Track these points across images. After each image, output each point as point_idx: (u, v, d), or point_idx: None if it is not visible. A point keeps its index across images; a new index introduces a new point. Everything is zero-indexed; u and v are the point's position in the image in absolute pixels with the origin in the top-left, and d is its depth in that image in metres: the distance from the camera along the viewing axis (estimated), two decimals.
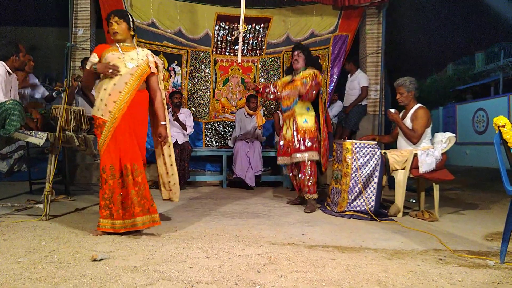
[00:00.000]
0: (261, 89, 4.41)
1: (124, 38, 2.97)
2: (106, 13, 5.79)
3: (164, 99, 3.14)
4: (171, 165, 3.18)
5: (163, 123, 3.06)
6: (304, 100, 3.99)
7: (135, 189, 2.73)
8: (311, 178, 3.96)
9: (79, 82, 4.72)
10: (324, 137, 4.06)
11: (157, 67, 3.06)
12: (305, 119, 4.03)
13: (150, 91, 3.06)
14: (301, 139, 3.96)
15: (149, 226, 2.80)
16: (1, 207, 3.52)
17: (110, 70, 2.77)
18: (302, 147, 3.95)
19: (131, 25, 3.02)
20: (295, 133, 4.00)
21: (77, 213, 3.55)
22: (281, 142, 4.24)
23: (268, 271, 2.05)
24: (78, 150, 4.12)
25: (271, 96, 4.39)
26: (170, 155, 3.17)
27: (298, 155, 3.96)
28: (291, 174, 4.26)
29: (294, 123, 4.03)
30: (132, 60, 2.89)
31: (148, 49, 6.27)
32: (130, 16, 3.03)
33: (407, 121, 3.88)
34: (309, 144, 3.95)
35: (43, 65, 9.18)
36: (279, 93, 4.29)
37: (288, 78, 4.28)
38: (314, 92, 3.93)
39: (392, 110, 3.92)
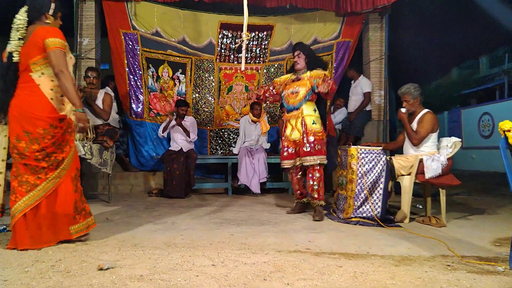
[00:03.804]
0: (261, 96, 4.32)
1: None
2: (110, 23, 5.89)
3: None
4: None
5: None
6: (326, 97, 3.97)
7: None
8: (320, 182, 3.90)
9: (84, 93, 4.76)
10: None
11: None
12: (314, 120, 3.94)
13: None
14: (312, 141, 3.87)
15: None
16: (8, 216, 3.53)
17: None
18: (313, 150, 3.86)
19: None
20: (305, 135, 3.90)
21: None
22: (285, 144, 4.08)
23: (275, 279, 2.04)
24: (84, 159, 4.13)
25: (271, 99, 4.33)
26: None
27: (309, 158, 3.87)
28: (295, 178, 4.13)
29: (304, 125, 3.92)
30: None
31: (153, 58, 6.38)
32: None
33: (414, 125, 3.87)
34: (319, 147, 3.87)
35: None
36: (281, 91, 4.19)
37: (289, 76, 4.19)
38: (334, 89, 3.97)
39: (403, 110, 3.90)
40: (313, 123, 3.94)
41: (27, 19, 2.57)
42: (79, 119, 2.64)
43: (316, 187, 3.91)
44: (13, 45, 2.52)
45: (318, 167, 3.89)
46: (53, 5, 2.67)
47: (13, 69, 2.54)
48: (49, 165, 2.57)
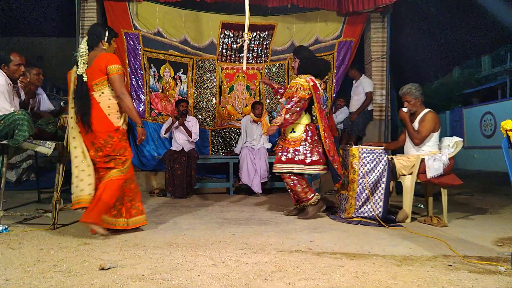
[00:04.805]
0: (275, 87, 4.30)
1: None
2: (112, 23, 5.89)
3: None
4: None
5: None
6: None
7: None
8: (293, 188, 3.80)
9: None
10: (328, 149, 3.73)
11: None
12: (293, 128, 3.87)
13: None
14: (281, 149, 3.83)
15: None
16: (9, 216, 3.55)
17: None
18: (284, 158, 3.78)
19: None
20: (280, 142, 3.92)
21: None
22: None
23: (276, 279, 2.04)
24: None
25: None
26: None
27: (277, 166, 3.83)
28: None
29: (283, 134, 3.94)
30: None
31: (154, 58, 6.39)
32: None
33: (415, 125, 3.86)
34: (290, 156, 3.76)
35: (50, 76, 9.29)
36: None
37: None
38: (293, 116, 3.71)
39: (405, 110, 3.89)
40: (291, 132, 3.86)
41: (87, 46, 3.09)
42: (142, 134, 3.19)
43: (291, 193, 3.90)
44: (81, 69, 3.04)
45: (287, 175, 3.78)
46: (107, 33, 3.20)
47: (85, 87, 3.04)
48: (115, 165, 3.05)
